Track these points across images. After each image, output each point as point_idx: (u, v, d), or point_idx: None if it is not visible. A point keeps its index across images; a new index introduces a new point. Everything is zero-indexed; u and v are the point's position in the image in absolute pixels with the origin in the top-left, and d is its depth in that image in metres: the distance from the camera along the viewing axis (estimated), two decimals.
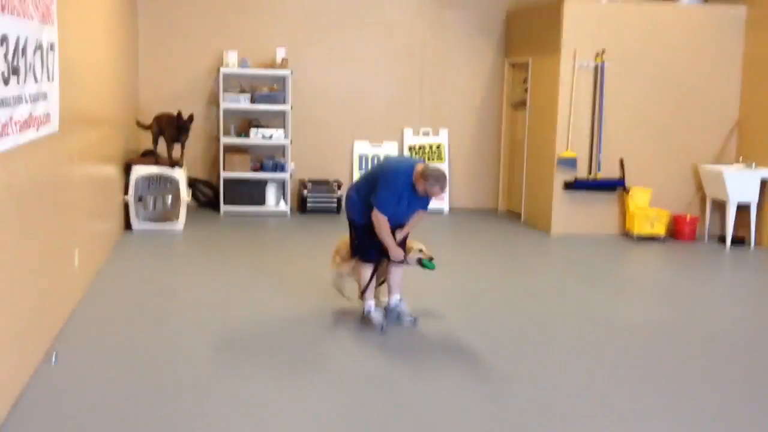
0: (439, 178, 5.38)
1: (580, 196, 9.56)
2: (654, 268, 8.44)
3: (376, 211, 5.46)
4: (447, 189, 5.53)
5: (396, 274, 5.86)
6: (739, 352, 5.59)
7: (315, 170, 10.73)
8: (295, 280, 7.00)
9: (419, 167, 5.47)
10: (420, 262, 5.81)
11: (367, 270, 5.74)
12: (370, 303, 5.78)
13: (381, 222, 5.47)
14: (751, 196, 9.14)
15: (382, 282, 5.96)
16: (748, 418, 4.44)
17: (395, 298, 5.91)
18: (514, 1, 10.84)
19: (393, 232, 5.61)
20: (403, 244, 5.73)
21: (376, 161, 10.79)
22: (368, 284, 5.75)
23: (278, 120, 10.46)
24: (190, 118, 9.01)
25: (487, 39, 10.97)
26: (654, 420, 4.34)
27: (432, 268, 5.81)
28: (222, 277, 7.06)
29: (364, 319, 5.77)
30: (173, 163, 8.80)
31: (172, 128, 8.89)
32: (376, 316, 5.75)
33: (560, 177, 9.48)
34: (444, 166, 10.73)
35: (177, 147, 8.94)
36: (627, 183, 9.53)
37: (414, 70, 10.88)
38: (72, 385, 4.50)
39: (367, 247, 5.70)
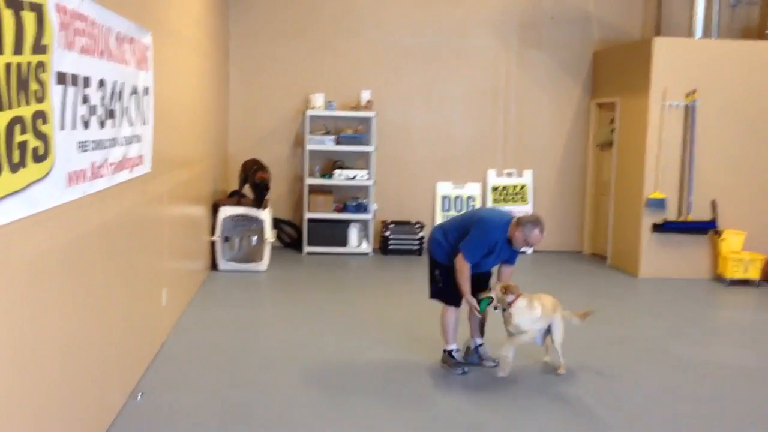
0: (536, 221, 5.34)
1: (669, 239, 9.28)
2: (747, 313, 8.07)
3: (461, 257, 5.41)
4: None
5: (478, 317, 5.79)
6: None
7: (397, 211, 10.76)
8: (377, 321, 6.98)
9: (514, 221, 5.42)
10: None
11: (451, 313, 5.68)
12: (454, 346, 5.71)
13: (463, 269, 5.43)
14: None
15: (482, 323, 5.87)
16: None
17: (477, 341, 5.83)
18: (602, 41, 10.73)
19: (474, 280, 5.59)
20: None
21: (458, 203, 10.77)
22: (453, 327, 5.70)
23: (362, 161, 10.57)
24: (265, 183, 9.01)
25: (573, 79, 10.86)
26: None
27: (482, 308, 5.54)
28: (305, 317, 7.11)
29: (447, 360, 5.69)
30: (258, 205, 8.94)
31: (257, 172, 9.07)
32: (459, 358, 5.67)
33: (648, 219, 9.23)
34: (527, 208, 10.63)
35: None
36: (719, 225, 9.20)
37: (498, 110, 10.85)
38: (157, 422, 4.57)
39: (451, 290, 5.63)
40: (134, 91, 4.84)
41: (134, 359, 5.11)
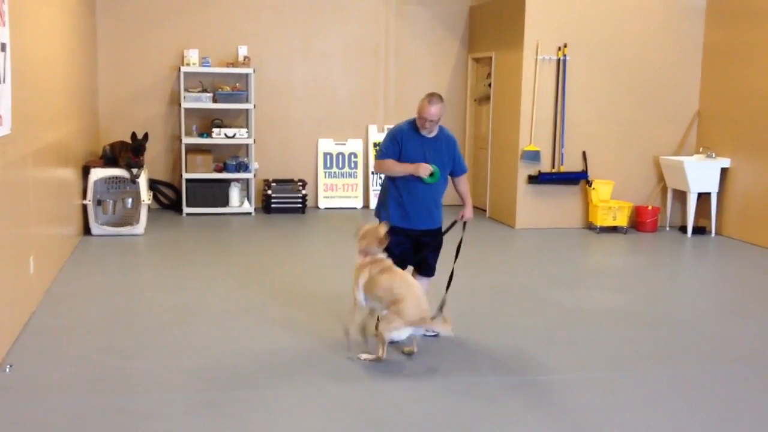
0: (428, 95, 5.11)
1: (543, 190, 9.59)
2: (617, 259, 8.49)
3: (376, 161, 5.27)
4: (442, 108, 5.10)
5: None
6: (698, 336, 5.64)
7: (279, 169, 10.66)
8: (262, 281, 6.92)
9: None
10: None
11: None
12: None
13: (384, 163, 5.22)
14: (712, 186, 9.25)
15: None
16: (703, 396, 4.49)
17: None
18: None
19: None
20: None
21: (340, 159, 10.78)
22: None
23: (241, 119, 10.38)
24: (145, 136, 8.92)
25: (451, 34, 10.97)
26: (614, 402, 4.35)
27: (431, 181, 5.22)
28: (185, 280, 6.96)
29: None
30: (134, 180, 8.63)
31: (128, 152, 8.74)
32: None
33: (524, 171, 9.51)
34: None
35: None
36: (590, 176, 9.58)
37: (377, 66, 10.84)
38: (28, 394, 4.39)
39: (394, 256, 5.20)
40: None
41: (0, 330, 4.87)
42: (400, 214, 5.29)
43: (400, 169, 5.19)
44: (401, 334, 4.83)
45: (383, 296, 4.89)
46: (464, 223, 5.51)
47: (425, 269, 5.47)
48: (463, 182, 5.53)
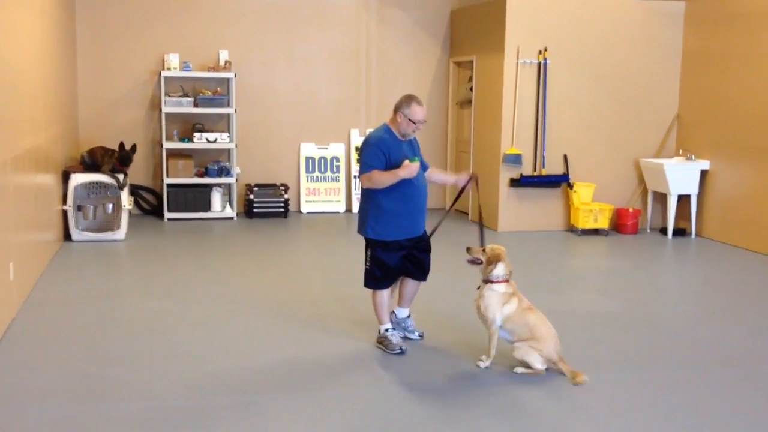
0: (409, 97, 5.06)
1: (525, 193, 9.63)
2: (598, 261, 8.53)
3: (363, 175, 5.04)
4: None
5: (410, 287, 5.47)
6: (680, 339, 5.68)
7: (261, 174, 10.63)
8: (245, 286, 6.90)
9: (391, 117, 5.16)
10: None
11: (382, 295, 5.29)
12: (388, 325, 5.33)
13: (373, 176, 5.01)
14: (691, 188, 9.33)
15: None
16: (685, 399, 4.52)
17: (404, 312, 5.55)
18: (458, 0, 10.89)
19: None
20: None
21: (322, 163, 10.77)
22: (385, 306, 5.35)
23: (222, 123, 10.34)
24: (133, 148, 8.94)
25: (432, 38, 10.99)
26: (597, 405, 4.37)
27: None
28: (167, 286, 6.92)
29: (383, 341, 5.30)
30: (121, 186, 8.63)
31: (112, 158, 8.74)
32: (395, 337, 5.30)
33: (506, 174, 9.54)
34: None
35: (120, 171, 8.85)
36: (571, 178, 9.63)
37: (359, 70, 10.85)
38: (8, 403, 4.35)
39: (381, 272, 5.22)
40: None
41: None
42: (393, 226, 5.18)
43: (391, 178, 5.03)
44: (538, 365, 4.87)
45: (522, 332, 4.94)
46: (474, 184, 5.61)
47: (422, 274, 5.46)
48: (433, 170, 5.59)
